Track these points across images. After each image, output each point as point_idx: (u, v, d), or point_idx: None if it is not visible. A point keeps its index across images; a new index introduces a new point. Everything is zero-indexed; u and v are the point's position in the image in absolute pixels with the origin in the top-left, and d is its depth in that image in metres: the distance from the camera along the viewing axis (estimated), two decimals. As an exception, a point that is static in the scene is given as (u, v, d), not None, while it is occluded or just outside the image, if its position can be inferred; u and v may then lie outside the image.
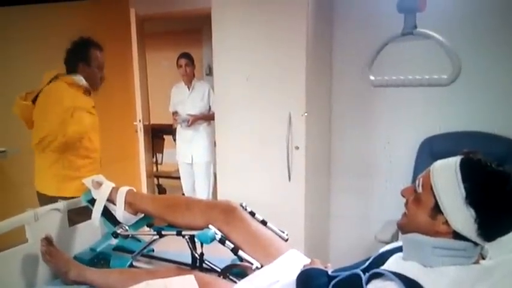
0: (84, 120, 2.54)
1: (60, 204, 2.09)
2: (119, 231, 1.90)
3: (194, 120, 4.13)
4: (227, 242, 1.64)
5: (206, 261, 1.77)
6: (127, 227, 1.91)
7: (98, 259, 2.07)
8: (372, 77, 1.69)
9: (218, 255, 1.81)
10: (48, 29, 3.69)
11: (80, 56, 2.62)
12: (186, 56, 4.20)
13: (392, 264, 1.21)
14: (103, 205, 1.95)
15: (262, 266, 1.56)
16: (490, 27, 2.70)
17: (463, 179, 1.09)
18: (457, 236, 1.11)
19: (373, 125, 3.15)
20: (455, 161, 1.13)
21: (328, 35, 3.16)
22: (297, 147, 2.82)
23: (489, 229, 1.08)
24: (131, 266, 1.97)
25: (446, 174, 1.12)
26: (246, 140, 3.01)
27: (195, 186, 4.26)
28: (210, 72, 5.50)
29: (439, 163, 1.17)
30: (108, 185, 1.99)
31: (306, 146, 2.81)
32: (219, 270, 1.70)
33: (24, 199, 2.81)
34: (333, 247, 3.40)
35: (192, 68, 4.21)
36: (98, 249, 2.10)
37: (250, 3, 2.84)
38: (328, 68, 3.20)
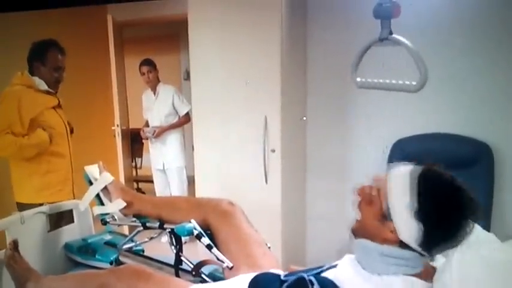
0: (40, 136, 2.58)
1: (45, 208, 2.10)
2: (108, 220, 1.91)
3: (159, 132, 4.15)
4: (203, 238, 1.64)
5: (182, 258, 1.78)
6: (116, 217, 1.92)
7: (87, 249, 2.09)
8: (358, 79, 1.73)
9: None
10: (24, 35, 3.67)
11: (36, 56, 2.66)
12: (147, 62, 4.17)
13: (342, 269, 1.22)
14: (96, 193, 1.94)
15: (232, 267, 1.56)
16: (462, 33, 2.79)
17: (418, 192, 1.08)
18: (403, 245, 1.10)
19: (348, 128, 3.21)
20: (413, 172, 1.12)
21: (302, 39, 3.22)
22: (273, 150, 2.86)
23: (435, 244, 1.08)
24: (117, 260, 1.99)
25: (402, 184, 1.11)
26: (223, 144, 3.04)
27: (170, 191, 4.26)
28: (188, 77, 5.51)
29: (397, 171, 1.15)
30: (108, 176, 1.97)
31: (282, 149, 2.86)
32: (191, 266, 1.71)
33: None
34: (310, 249, 3.44)
35: (155, 74, 4.19)
36: (89, 241, 2.13)
37: (226, 8, 2.88)
38: (303, 72, 3.26)
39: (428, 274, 1.14)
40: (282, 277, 1.27)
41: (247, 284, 1.29)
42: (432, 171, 1.12)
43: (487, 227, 1.38)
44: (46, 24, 3.71)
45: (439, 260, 1.18)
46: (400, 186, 1.11)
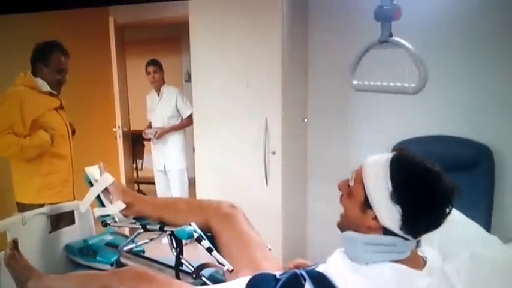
0: (42, 137, 2.58)
1: (46, 209, 2.10)
2: (108, 222, 1.92)
3: (161, 133, 4.15)
4: (203, 241, 1.65)
5: (183, 260, 1.78)
6: (116, 219, 1.92)
7: (88, 250, 2.09)
8: (355, 82, 1.73)
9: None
10: (25, 37, 3.68)
11: (39, 57, 2.66)
12: (154, 62, 4.19)
13: (331, 262, 1.24)
14: (96, 194, 1.95)
15: (233, 270, 1.56)
16: (463, 35, 2.79)
17: (391, 176, 1.10)
18: (386, 231, 1.13)
19: (348, 129, 3.21)
20: (386, 157, 1.15)
21: (303, 40, 3.22)
22: (274, 152, 2.86)
23: (414, 225, 1.11)
24: (118, 261, 1.99)
25: (376, 170, 1.14)
26: (224, 146, 3.04)
27: (171, 193, 4.27)
28: (189, 79, 5.51)
29: (371, 158, 1.19)
30: (108, 177, 1.97)
31: (282, 150, 2.86)
32: (192, 269, 1.71)
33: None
34: (310, 250, 3.44)
35: (160, 74, 4.20)
36: (90, 242, 2.13)
37: (226, 10, 2.90)
38: (304, 74, 3.27)
39: (417, 262, 1.16)
40: (277, 276, 1.27)
41: (244, 285, 1.29)
42: (402, 154, 1.15)
43: (487, 230, 1.38)
44: (47, 25, 3.71)
45: (428, 252, 1.20)
46: (374, 173, 1.14)
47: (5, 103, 2.57)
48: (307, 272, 1.16)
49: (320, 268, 1.24)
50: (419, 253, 1.19)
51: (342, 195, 1.26)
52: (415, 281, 1.11)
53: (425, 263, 1.17)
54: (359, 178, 1.18)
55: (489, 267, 1.08)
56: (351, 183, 1.21)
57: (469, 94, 2.84)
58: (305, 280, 1.14)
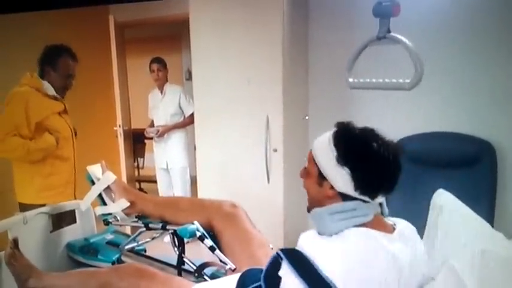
0: (47, 140, 2.58)
1: (48, 208, 2.11)
2: (110, 220, 1.92)
3: (164, 131, 4.15)
4: (206, 240, 1.65)
5: (185, 259, 1.79)
6: (118, 218, 1.92)
7: (89, 248, 2.10)
8: (350, 79, 1.73)
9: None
10: (25, 36, 3.69)
11: (47, 60, 2.65)
12: (158, 60, 4.19)
13: (302, 238, 1.28)
14: (98, 192, 1.96)
15: (235, 268, 1.56)
16: (463, 31, 2.79)
17: (335, 144, 1.22)
18: (344, 197, 1.21)
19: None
20: (330, 132, 1.27)
21: (304, 38, 3.22)
22: (275, 150, 2.86)
23: (366, 184, 1.19)
24: (120, 260, 1.99)
25: (322, 143, 1.25)
26: (225, 143, 3.04)
27: (173, 191, 4.27)
28: (189, 77, 5.51)
29: (317, 139, 1.30)
30: (110, 175, 1.98)
31: (284, 148, 2.86)
32: (194, 268, 1.72)
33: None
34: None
35: (164, 72, 4.19)
36: (92, 240, 2.14)
37: (227, 8, 2.89)
38: (305, 71, 3.26)
39: (383, 227, 1.22)
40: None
41: (237, 279, 1.33)
42: (343, 126, 1.26)
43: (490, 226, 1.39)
44: (48, 25, 3.72)
45: (399, 223, 1.28)
46: (321, 146, 1.26)
47: (10, 104, 2.55)
48: (282, 250, 1.21)
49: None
50: (387, 221, 1.27)
51: (304, 181, 1.34)
52: (381, 240, 1.15)
53: (394, 230, 1.23)
54: (311, 157, 1.28)
55: (499, 263, 1.08)
56: (306, 164, 1.31)
57: (470, 90, 2.84)
58: (281, 259, 1.19)
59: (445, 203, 1.45)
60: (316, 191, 1.27)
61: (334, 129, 1.27)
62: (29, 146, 2.49)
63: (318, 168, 1.24)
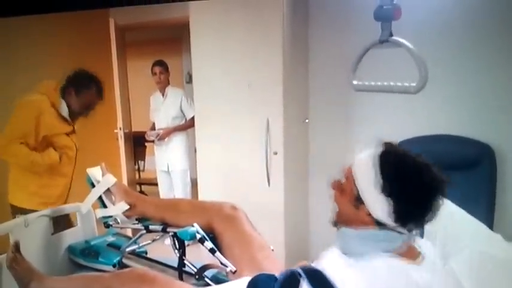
0: (52, 157, 2.60)
1: (49, 211, 2.11)
2: (111, 223, 1.91)
3: (165, 134, 4.15)
4: (206, 242, 1.65)
5: (186, 261, 1.78)
6: (119, 220, 1.92)
7: (90, 251, 2.09)
8: (355, 82, 1.73)
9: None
10: (25, 37, 3.69)
11: (75, 84, 2.64)
12: (160, 63, 4.21)
13: (325, 258, 1.24)
14: (99, 195, 1.95)
15: (236, 271, 1.56)
16: (464, 34, 2.79)
17: (381, 169, 1.13)
18: (380, 225, 1.16)
19: (350, 129, 3.21)
20: (375, 152, 1.18)
21: (304, 41, 3.22)
22: (276, 153, 2.86)
23: (407, 217, 1.13)
24: (121, 262, 1.98)
25: (366, 165, 1.17)
26: (225, 146, 3.04)
27: (174, 193, 4.28)
28: (190, 80, 5.52)
29: (360, 155, 1.22)
30: (111, 178, 1.97)
31: (284, 151, 2.86)
32: (195, 270, 1.71)
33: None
34: (313, 251, 3.43)
35: (166, 75, 4.21)
36: (92, 243, 2.13)
37: (227, 11, 2.90)
38: (305, 74, 3.26)
39: (412, 254, 1.18)
40: (276, 275, 1.28)
41: (246, 286, 1.30)
42: (391, 149, 1.18)
43: (489, 228, 1.39)
44: (48, 26, 3.72)
45: (423, 245, 1.22)
46: (365, 168, 1.17)
47: (24, 110, 2.55)
48: (303, 269, 1.17)
49: (315, 264, 1.25)
50: (414, 246, 1.21)
51: (334, 193, 1.29)
52: (408, 271, 1.12)
53: (420, 255, 1.19)
54: (350, 175, 1.22)
55: (497, 266, 1.09)
56: (343, 181, 1.25)
57: (470, 93, 2.84)
58: (301, 277, 1.15)
59: (443, 206, 1.46)
60: (351, 212, 1.20)
61: (379, 149, 1.19)
62: (33, 159, 2.50)
63: (357, 190, 1.18)
